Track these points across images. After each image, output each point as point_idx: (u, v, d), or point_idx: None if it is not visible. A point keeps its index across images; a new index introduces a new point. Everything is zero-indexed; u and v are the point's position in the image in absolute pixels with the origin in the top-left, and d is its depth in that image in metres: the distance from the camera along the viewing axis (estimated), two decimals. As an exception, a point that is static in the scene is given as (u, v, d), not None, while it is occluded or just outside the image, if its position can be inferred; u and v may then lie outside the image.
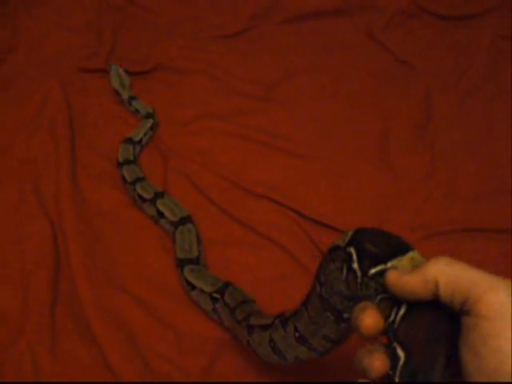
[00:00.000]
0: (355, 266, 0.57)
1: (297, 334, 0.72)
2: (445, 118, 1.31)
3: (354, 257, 0.57)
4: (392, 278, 0.50)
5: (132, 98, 1.28)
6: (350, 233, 0.59)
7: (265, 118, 1.29)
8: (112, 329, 0.95)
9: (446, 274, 0.46)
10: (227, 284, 0.97)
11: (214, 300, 0.95)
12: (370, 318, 0.51)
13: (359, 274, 0.56)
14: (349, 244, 0.58)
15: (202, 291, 0.97)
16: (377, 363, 0.48)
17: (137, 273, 1.04)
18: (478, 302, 0.44)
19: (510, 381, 0.41)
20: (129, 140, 1.20)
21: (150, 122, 1.24)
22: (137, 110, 1.27)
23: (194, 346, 0.96)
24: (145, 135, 1.23)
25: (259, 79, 1.38)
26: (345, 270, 0.59)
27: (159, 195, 1.11)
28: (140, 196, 1.11)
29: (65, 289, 1.00)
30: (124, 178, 1.14)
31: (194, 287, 0.98)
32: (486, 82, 1.39)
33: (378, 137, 1.26)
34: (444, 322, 0.47)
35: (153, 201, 1.10)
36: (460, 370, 0.45)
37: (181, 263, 1.02)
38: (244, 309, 0.90)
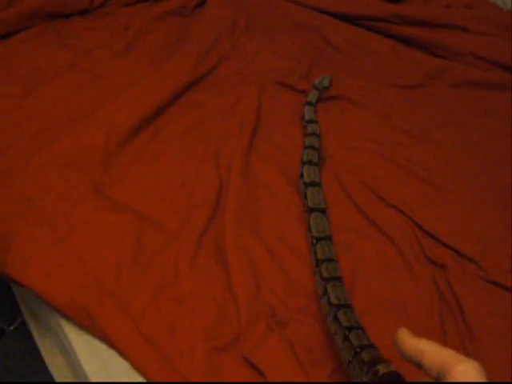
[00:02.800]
0: None
1: None
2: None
3: None
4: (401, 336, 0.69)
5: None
6: None
7: (415, 152, 1.50)
8: (242, 262, 1.17)
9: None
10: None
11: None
12: None
13: None
14: None
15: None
16: None
17: (276, 235, 1.27)
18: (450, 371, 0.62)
19: None
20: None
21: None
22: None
23: (299, 291, 1.17)
24: None
25: (419, 123, 1.59)
26: None
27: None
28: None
29: (216, 226, 1.26)
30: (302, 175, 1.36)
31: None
32: None
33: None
34: None
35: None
36: None
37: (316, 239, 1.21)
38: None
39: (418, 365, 0.67)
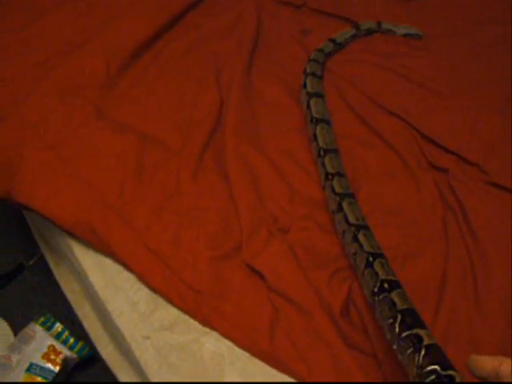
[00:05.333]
0: None
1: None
2: None
3: None
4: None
5: None
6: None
7: (415, 62, 1.48)
8: (242, 174, 1.18)
9: None
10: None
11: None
12: None
13: None
14: None
15: None
16: None
17: (278, 147, 1.27)
18: None
19: None
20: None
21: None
22: None
23: (302, 200, 1.18)
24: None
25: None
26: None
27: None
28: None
29: (217, 142, 1.27)
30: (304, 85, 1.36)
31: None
32: None
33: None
34: None
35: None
36: None
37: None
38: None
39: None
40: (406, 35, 1.55)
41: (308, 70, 1.39)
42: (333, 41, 1.49)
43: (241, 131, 1.26)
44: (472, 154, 1.26)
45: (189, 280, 1.05)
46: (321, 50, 1.46)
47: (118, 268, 1.10)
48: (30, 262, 1.78)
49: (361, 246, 1.01)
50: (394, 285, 0.92)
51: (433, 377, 0.75)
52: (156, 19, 1.49)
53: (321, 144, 1.22)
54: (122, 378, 1.21)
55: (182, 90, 1.37)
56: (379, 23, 1.56)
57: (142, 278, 1.06)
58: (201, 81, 1.38)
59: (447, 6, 1.67)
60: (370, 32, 1.56)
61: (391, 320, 0.87)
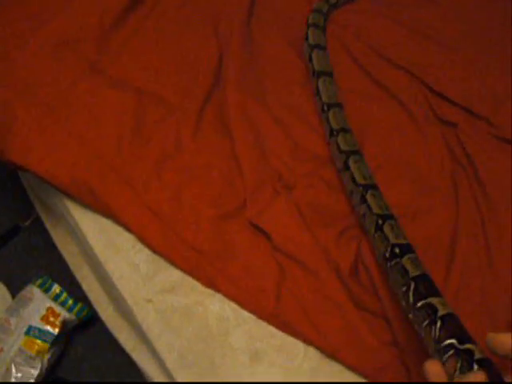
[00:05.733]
0: None
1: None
2: None
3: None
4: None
5: None
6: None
7: (422, 13, 1.43)
8: (245, 130, 1.14)
9: None
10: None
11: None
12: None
13: None
14: None
15: None
16: None
17: (281, 101, 1.23)
18: None
19: None
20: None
21: None
22: None
23: (306, 157, 1.15)
24: None
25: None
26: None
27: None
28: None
29: (218, 97, 1.21)
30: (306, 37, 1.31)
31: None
32: None
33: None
34: None
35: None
36: None
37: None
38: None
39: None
40: None
41: (310, 21, 1.34)
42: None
43: (242, 86, 1.21)
44: (481, 107, 1.23)
45: (191, 240, 1.01)
46: (326, 0, 1.39)
47: (118, 229, 1.06)
48: (26, 223, 1.74)
49: (369, 207, 0.98)
50: (406, 249, 0.90)
51: (451, 352, 0.72)
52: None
53: (324, 98, 1.18)
54: (123, 340, 1.18)
55: (180, 42, 1.31)
56: None
57: (142, 239, 1.03)
58: (199, 33, 1.33)
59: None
60: None
61: (404, 288, 0.85)
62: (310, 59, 1.26)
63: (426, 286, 0.83)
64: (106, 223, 1.08)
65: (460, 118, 1.20)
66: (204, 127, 1.16)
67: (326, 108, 1.16)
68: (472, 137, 1.18)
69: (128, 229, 1.04)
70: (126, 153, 1.10)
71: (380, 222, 0.95)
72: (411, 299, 0.82)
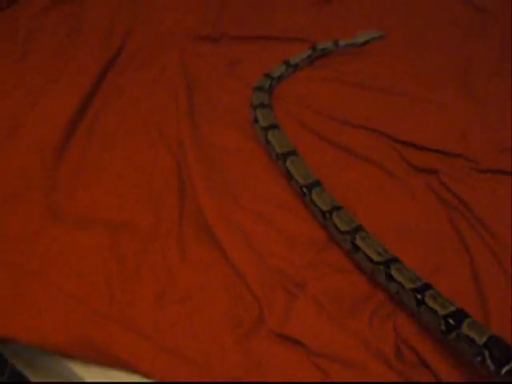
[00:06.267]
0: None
1: None
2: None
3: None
4: None
5: None
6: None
7: (371, 68, 1.43)
8: (231, 234, 1.08)
9: None
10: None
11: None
12: None
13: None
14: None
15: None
16: None
17: (256, 194, 1.18)
18: None
19: None
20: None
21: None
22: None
23: (302, 244, 1.09)
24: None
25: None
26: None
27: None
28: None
29: (190, 207, 1.15)
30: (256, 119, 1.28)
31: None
32: None
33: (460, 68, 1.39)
34: None
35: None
36: None
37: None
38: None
39: None
40: (367, 42, 1.47)
41: (255, 102, 1.30)
42: (286, 63, 1.41)
43: (212, 188, 1.16)
44: (452, 145, 1.22)
45: (218, 372, 0.93)
46: (268, 75, 1.37)
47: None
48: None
49: (401, 284, 0.94)
50: (459, 316, 0.86)
51: None
52: (76, 94, 1.36)
53: (300, 181, 1.14)
54: None
55: (129, 162, 1.24)
56: (336, 42, 1.48)
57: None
58: (148, 146, 1.27)
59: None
60: (327, 52, 1.49)
61: (479, 358, 0.82)
62: (268, 142, 1.22)
63: (500, 349, 0.80)
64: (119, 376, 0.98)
65: (437, 162, 1.19)
66: (188, 244, 1.09)
67: (305, 190, 1.12)
68: (455, 177, 1.17)
69: (148, 377, 0.94)
70: (119, 296, 1.01)
71: (419, 296, 0.91)
72: (492, 367, 0.80)
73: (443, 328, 0.87)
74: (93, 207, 1.16)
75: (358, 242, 1.01)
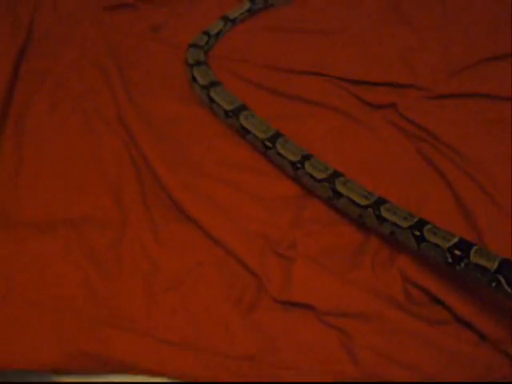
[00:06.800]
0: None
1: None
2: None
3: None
4: None
5: None
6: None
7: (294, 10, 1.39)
8: (204, 208, 1.03)
9: None
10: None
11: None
12: None
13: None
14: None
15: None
16: None
17: (216, 160, 1.13)
18: None
19: None
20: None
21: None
22: None
23: (279, 204, 1.05)
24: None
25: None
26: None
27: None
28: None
29: (152, 187, 1.08)
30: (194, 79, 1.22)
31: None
32: None
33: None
34: None
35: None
36: None
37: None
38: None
39: None
40: None
41: (190, 60, 1.25)
42: (225, 18, 1.35)
43: (168, 163, 1.09)
44: (402, 76, 1.21)
45: (230, 352, 0.88)
46: (205, 33, 1.31)
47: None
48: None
49: (396, 224, 0.91)
50: (464, 246, 0.85)
51: None
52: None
53: (260, 136, 1.09)
54: None
55: (73, 148, 1.16)
56: None
57: (181, 377, 0.87)
58: (86, 130, 1.18)
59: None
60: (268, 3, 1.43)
61: (494, 283, 0.81)
62: (212, 100, 1.17)
63: None
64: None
65: (391, 96, 1.17)
66: (161, 225, 1.03)
67: (269, 144, 1.08)
68: (412, 107, 1.16)
69: (157, 374, 0.89)
70: (103, 296, 0.94)
71: (418, 233, 0.88)
72: (510, 290, 0.80)
73: (450, 260, 0.85)
74: (45, 208, 1.07)
75: (340, 187, 0.97)
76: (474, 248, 0.84)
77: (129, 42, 1.35)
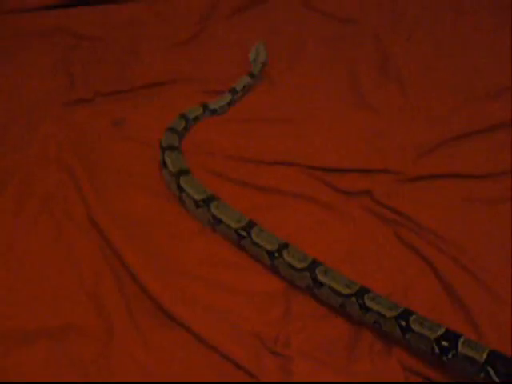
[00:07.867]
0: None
1: None
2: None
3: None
4: None
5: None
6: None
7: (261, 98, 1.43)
8: (190, 310, 1.00)
9: None
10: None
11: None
12: None
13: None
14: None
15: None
16: None
17: (192, 256, 1.12)
18: None
19: None
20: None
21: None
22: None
23: (265, 300, 1.04)
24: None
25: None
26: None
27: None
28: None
29: (132, 291, 1.05)
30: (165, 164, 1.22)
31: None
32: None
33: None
34: None
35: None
36: None
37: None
38: None
39: None
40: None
41: (163, 144, 1.25)
42: (205, 107, 1.36)
43: (148, 265, 1.07)
44: (372, 161, 1.25)
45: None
46: (182, 116, 1.32)
47: None
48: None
49: (380, 314, 0.92)
50: (451, 337, 0.86)
51: None
52: None
53: (233, 225, 1.10)
54: None
55: (45, 257, 1.11)
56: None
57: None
58: (57, 235, 1.15)
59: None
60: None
61: (482, 374, 0.83)
62: (182, 189, 1.18)
63: (504, 364, 0.81)
64: None
65: (364, 182, 1.21)
66: (149, 332, 1.00)
67: (243, 233, 1.09)
68: (385, 192, 1.19)
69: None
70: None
71: (403, 323, 0.90)
72: (499, 381, 0.81)
73: (437, 351, 0.86)
74: (24, 317, 1.01)
75: (321, 277, 0.98)
76: (462, 339, 0.85)
77: (90, 138, 1.33)
